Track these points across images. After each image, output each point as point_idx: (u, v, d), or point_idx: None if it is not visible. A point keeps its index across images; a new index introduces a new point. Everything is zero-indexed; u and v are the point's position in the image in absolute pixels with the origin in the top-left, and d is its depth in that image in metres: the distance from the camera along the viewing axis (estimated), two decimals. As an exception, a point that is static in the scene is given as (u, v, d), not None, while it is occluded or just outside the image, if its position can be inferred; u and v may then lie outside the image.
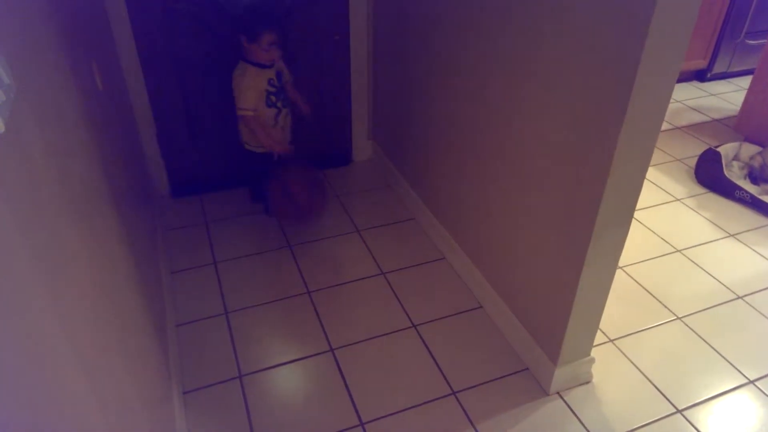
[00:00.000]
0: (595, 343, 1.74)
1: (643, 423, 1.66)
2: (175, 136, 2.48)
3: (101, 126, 1.43)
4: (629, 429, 1.64)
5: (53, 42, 1.11)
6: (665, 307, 2.06)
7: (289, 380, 1.79)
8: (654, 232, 2.44)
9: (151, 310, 1.58)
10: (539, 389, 1.75)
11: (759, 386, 1.78)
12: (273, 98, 2.20)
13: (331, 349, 1.87)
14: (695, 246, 2.37)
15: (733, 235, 2.43)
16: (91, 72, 1.46)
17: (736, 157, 2.82)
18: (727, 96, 3.70)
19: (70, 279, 0.81)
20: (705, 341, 1.93)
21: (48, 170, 0.83)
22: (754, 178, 2.72)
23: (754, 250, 2.35)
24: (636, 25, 1.15)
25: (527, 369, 1.81)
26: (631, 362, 1.84)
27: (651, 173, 2.84)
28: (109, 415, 0.87)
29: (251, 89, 2.15)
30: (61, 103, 1.04)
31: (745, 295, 2.11)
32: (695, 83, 3.86)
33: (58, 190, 0.86)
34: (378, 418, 1.65)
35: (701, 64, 3.75)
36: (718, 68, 3.79)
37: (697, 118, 3.42)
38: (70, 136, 1.05)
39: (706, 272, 2.23)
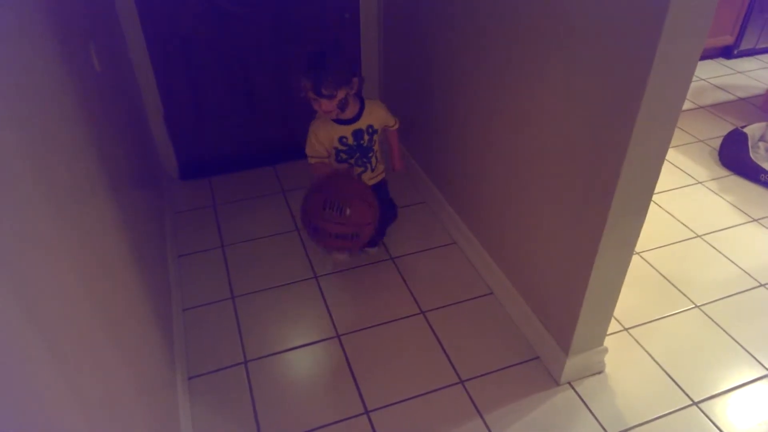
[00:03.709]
0: (608, 332, 1.68)
1: (657, 415, 1.60)
2: (183, 118, 2.45)
3: (99, 109, 1.40)
4: (642, 421, 1.59)
5: (43, 22, 1.07)
6: (683, 294, 1.99)
7: (294, 366, 1.77)
8: (674, 217, 2.36)
9: (154, 294, 1.56)
10: (550, 379, 1.70)
11: (780, 378, 1.71)
12: (343, 156, 1.93)
13: (338, 335, 1.84)
14: (716, 231, 2.28)
15: (756, 220, 2.34)
16: (88, 53, 1.42)
17: (762, 138, 2.71)
18: (755, 73, 3.55)
19: (46, 269, 0.78)
20: (724, 330, 1.86)
21: (23, 156, 0.80)
22: (780, 160, 2.61)
23: (778, 235, 2.26)
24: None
25: (537, 358, 1.76)
26: (646, 352, 1.79)
27: (672, 155, 2.74)
28: (91, 406, 0.85)
29: (316, 140, 1.89)
30: (46, 83, 1.00)
31: (768, 283, 2.04)
32: (721, 60, 3.72)
33: (35, 174, 0.83)
34: (383, 407, 1.63)
35: (728, 40, 3.60)
36: (745, 44, 3.64)
37: (723, 96, 3.30)
38: (57, 120, 1.02)
39: (728, 258, 2.15)
